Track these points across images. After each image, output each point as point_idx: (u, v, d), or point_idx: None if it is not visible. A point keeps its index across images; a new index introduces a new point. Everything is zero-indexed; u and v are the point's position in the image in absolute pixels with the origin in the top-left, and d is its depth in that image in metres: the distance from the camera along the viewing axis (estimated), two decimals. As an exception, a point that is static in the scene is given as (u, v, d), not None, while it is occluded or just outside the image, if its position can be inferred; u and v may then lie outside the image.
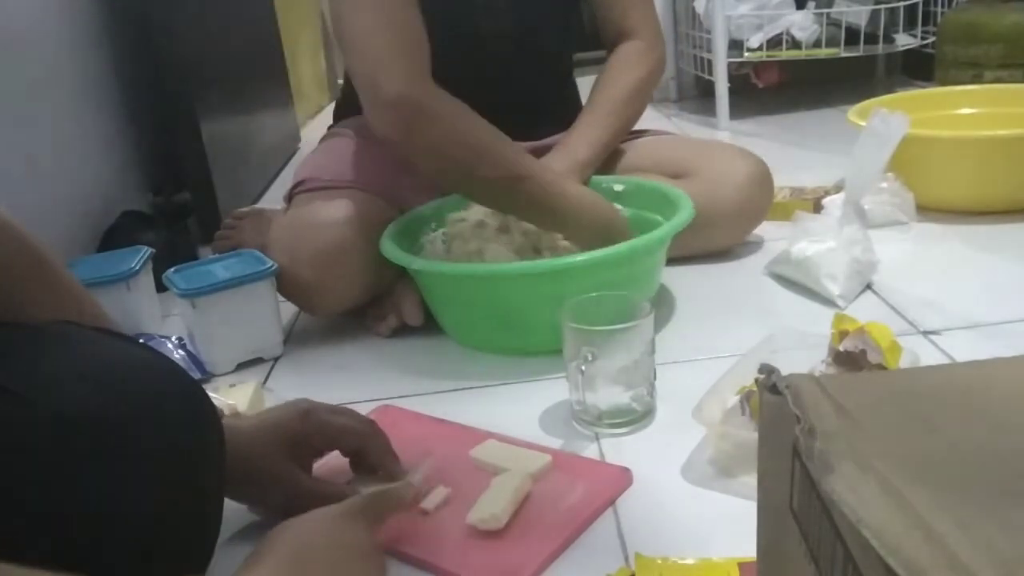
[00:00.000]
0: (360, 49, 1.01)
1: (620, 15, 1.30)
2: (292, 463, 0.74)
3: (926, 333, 1.02)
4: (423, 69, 1.01)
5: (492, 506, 0.73)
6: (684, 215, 1.07)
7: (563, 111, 1.34)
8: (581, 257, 1.02)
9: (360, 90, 1.02)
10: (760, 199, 1.27)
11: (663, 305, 1.15)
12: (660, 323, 1.09)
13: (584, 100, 1.40)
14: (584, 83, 1.39)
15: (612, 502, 0.77)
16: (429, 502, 0.77)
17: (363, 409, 0.83)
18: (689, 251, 1.24)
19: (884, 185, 1.34)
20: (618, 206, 1.18)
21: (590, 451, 0.86)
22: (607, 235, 1.06)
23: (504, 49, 1.25)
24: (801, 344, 0.89)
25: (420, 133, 1.00)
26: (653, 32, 1.31)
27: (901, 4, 2.21)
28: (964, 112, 1.59)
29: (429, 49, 1.03)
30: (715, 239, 1.27)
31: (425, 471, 0.77)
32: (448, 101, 1.02)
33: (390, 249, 1.09)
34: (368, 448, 0.78)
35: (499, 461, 0.81)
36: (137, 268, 1.20)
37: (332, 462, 0.82)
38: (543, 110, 1.33)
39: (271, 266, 1.12)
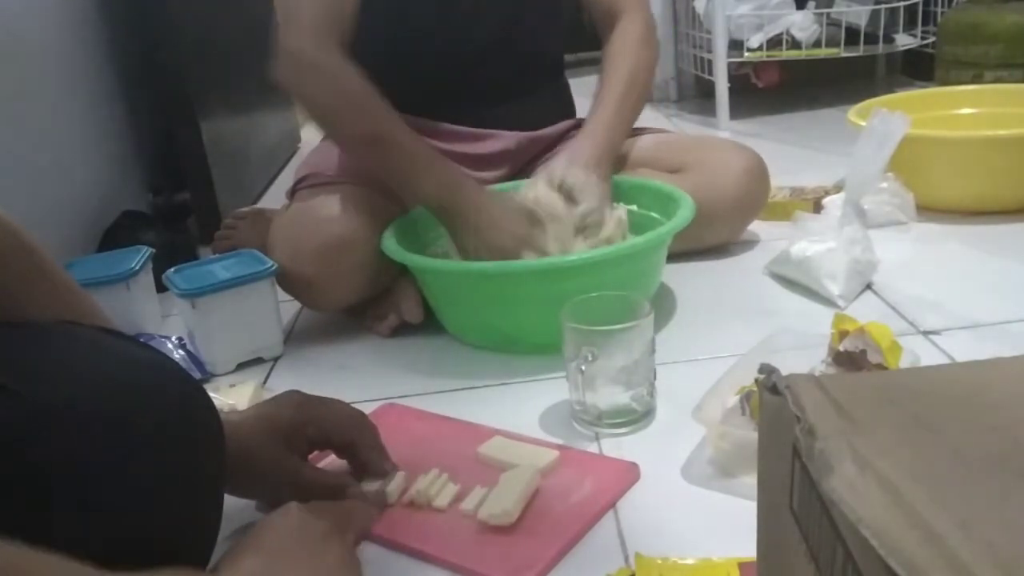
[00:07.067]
0: (283, 3, 1.13)
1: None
2: (289, 454, 0.75)
3: (926, 333, 1.02)
4: (328, 31, 1.10)
5: (503, 502, 0.73)
6: (684, 215, 1.07)
7: (556, 103, 1.34)
8: (580, 256, 1.02)
9: (275, 35, 1.11)
10: (757, 191, 1.28)
11: (663, 305, 1.15)
12: (660, 323, 1.09)
13: (585, 103, 1.40)
14: (585, 83, 1.39)
15: (620, 497, 0.77)
16: (441, 499, 0.77)
17: (364, 409, 0.83)
18: (688, 246, 1.24)
19: (884, 185, 1.34)
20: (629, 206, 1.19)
21: (590, 451, 0.85)
22: (480, 220, 1.06)
23: (488, 33, 1.25)
24: (801, 344, 0.89)
25: (303, 84, 1.12)
26: (642, 6, 1.32)
27: (901, 4, 2.20)
28: (964, 112, 1.59)
29: (349, 19, 1.12)
30: (713, 233, 1.27)
31: (395, 485, 0.78)
32: (337, 61, 1.09)
33: (391, 247, 1.09)
34: (359, 441, 0.78)
35: (507, 457, 0.81)
36: (137, 268, 1.20)
37: (330, 461, 0.83)
38: (535, 99, 1.33)
39: (271, 266, 1.12)
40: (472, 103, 1.28)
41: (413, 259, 1.07)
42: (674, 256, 1.18)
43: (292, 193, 1.28)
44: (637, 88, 1.26)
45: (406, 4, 1.21)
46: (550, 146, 1.34)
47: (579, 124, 1.35)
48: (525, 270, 1.02)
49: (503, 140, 1.29)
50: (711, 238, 1.28)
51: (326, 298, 1.16)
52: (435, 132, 1.26)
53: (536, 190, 1.10)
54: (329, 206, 1.14)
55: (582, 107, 1.38)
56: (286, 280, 1.14)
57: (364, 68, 1.11)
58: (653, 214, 1.18)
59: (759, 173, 1.27)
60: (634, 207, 1.21)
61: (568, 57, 1.42)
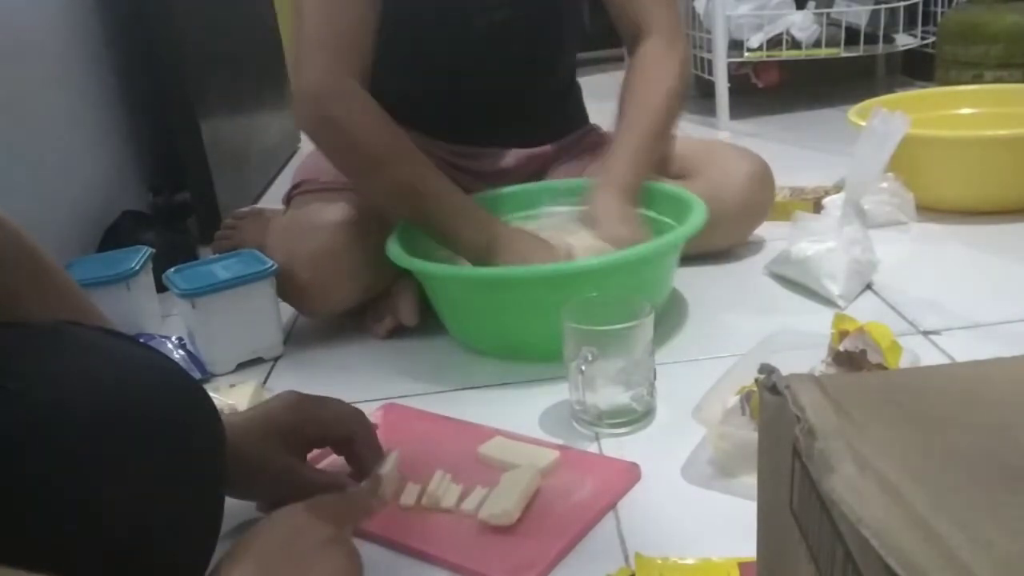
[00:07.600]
0: (297, 34, 1.08)
1: (634, 11, 1.23)
2: (288, 455, 0.75)
3: (926, 333, 1.02)
4: (346, 66, 1.05)
5: (503, 502, 0.73)
6: (698, 218, 1.06)
7: (562, 120, 1.34)
8: (590, 262, 1.01)
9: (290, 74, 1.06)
10: (762, 198, 1.28)
11: (664, 305, 1.15)
12: (660, 323, 1.09)
13: (588, 105, 1.39)
14: (585, 83, 1.39)
15: (620, 497, 0.77)
16: (448, 501, 0.77)
17: (364, 409, 0.83)
18: (692, 251, 1.23)
19: (884, 185, 1.34)
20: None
21: (590, 451, 0.85)
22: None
23: (500, 49, 1.24)
24: (801, 344, 0.89)
25: (325, 132, 1.08)
26: (672, 28, 1.23)
27: (901, 4, 2.21)
28: (964, 112, 1.59)
29: (366, 46, 1.07)
30: (718, 238, 1.26)
31: (391, 466, 0.78)
32: (360, 104, 1.05)
33: (396, 253, 1.08)
34: (356, 438, 0.78)
35: (507, 457, 0.81)
36: (137, 268, 1.20)
37: (330, 462, 0.83)
38: (541, 116, 1.32)
39: (271, 266, 1.12)
40: (480, 120, 1.27)
41: (418, 264, 1.06)
42: (676, 257, 1.18)
43: (288, 199, 1.28)
44: (665, 123, 1.18)
45: (415, 23, 1.20)
46: (555, 158, 1.33)
47: (588, 132, 1.35)
48: (534, 276, 1.00)
49: (508, 157, 1.29)
50: (716, 243, 1.27)
51: (321, 304, 1.16)
52: (439, 148, 1.25)
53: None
54: (324, 212, 1.13)
55: (587, 108, 1.38)
56: (282, 286, 1.14)
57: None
58: (664, 218, 1.17)
59: (764, 179, 1.27)
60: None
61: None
